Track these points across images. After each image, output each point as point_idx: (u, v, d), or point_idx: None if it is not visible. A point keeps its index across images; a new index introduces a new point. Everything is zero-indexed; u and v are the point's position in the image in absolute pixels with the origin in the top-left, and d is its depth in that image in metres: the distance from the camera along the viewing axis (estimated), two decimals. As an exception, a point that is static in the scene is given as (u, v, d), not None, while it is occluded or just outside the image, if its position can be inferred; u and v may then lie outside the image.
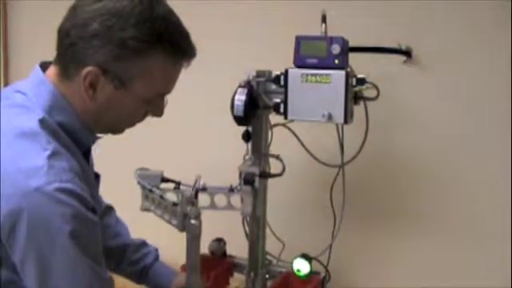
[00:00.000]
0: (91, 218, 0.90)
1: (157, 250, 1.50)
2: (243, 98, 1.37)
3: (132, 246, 1.44)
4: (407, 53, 1.62)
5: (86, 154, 1.09)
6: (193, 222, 1.21)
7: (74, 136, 0.99)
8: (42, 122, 0.93)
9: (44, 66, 1.05)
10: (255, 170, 1.43)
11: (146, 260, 1.45)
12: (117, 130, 1.08)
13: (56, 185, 0.85)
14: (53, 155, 0.89)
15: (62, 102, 0.98)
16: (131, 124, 1.08)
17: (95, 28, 0.92)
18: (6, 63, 2.31)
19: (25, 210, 0.84)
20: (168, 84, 1.03)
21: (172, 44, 0.98)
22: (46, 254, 0.86)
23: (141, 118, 1.07)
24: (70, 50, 0.95)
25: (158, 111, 1.07)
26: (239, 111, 1.37)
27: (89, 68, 0.94)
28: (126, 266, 1.43)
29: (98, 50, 0.93)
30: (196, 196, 1.40)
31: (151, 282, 1.44)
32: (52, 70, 1.02)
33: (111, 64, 0.94)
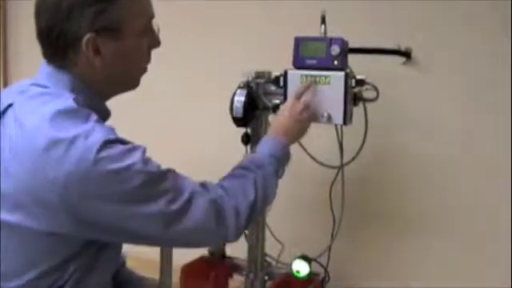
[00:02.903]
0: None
1: (124, 257, 1.40)
2: (242, 99, 1.38)
3: None
4: (407, 54, 1.62)
5: None
6: None
7: (96, 112, 1.03)
8: (75, 100, 0.98)
9: None
10: (254, 172, 1.43)
11: None
12: (134, 80, 1.12)
13: (111, 136, 0.94)
14: (97, 121, 0.96)
15: (81, 84, 1.03)
16: (143, 67, 1.12)
17: (66, 5, 0.98)
18: (6, 63, 2.31)
19: (96, 163, 0.90)
20: (148, 7, 1.09)
21: None
22: (128, 188, 0.93)
23: (148, 58, 1.12)
24: (61, 40, 1.00)
25: (156, 40, 1.11)
26: (238, 112, 1.37)
27: (84, 38, 0.99)
28: None
29: (81, 19, 0.98)
30: None
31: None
32: (48, 69, 1.04)
33: (97, 22, 0.99)
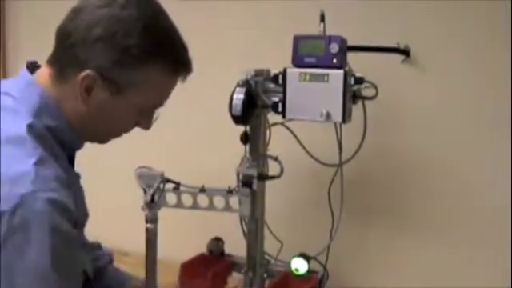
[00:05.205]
0: (70, 233, 0.88)
1: (111, 254, 1.41)
2: (241, 97, 1.37)
3: (85, 247, 1.31)
4: (406, 52, 1.61)
5: (71, 159, 1.07)
6: (148, 226, 1.21)
7: (61, 139, 0.97)
8: (29, 127, 0.91)
9: (31, 67, 1.03)
10: (253, 172, 1.43)
11: (99, 262, 1.34)
12: (104, 138, 1.07)
13: (41, 194, 0.84)
14: (39, 162, 0.87)
15: (51, 105, 0.96)
16: (119, 134, 1.06)
17: (99, 32, 0.92)
18: (4, 64, 2.30)
19: (5, 214, 0.82)
20: (163, 96, 1.03)
21: (173, 56, 0.98)
22: (15, 261, 0.83)
23: (129, 129, 1.06)
24: (70, 51, 0.94)
25: (147, 124, 1.06)
26: (237, 110, 1.37)
27: (87, 71, 0.93)
28: None
29: (100, 55, 0.92)
30: (152, 200, 1.36)
31: (103, 285, 1.34)
32: (45, 71, 1.00)
33: (110, 69, 0.93)
